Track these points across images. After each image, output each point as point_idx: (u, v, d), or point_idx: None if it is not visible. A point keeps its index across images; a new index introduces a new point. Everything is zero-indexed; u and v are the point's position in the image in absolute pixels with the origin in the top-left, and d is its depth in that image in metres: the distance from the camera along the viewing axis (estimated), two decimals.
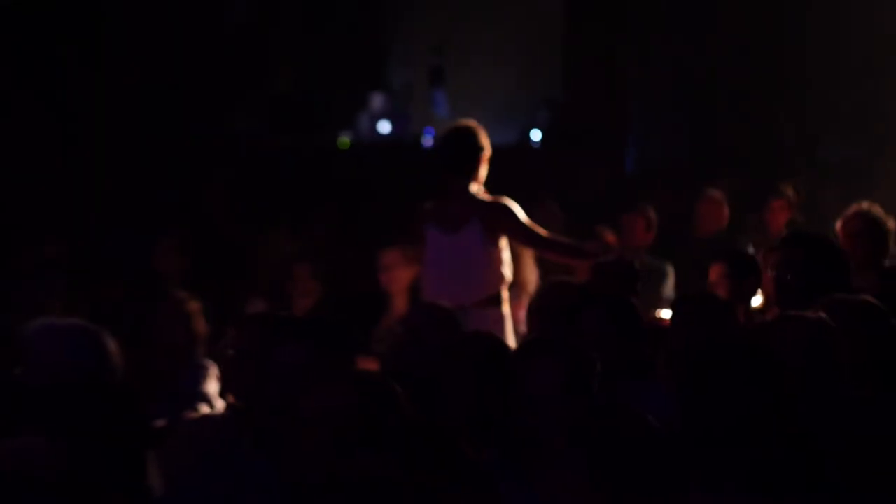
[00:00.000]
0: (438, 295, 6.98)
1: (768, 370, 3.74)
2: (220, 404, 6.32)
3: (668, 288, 9.07)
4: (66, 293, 7.73)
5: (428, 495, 3.88)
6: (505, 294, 7.24)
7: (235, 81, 13.13)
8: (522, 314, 7.13)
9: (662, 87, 13.62)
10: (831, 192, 11.21)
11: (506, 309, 7.22)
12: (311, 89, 14.27)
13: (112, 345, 4.40)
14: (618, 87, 13.47)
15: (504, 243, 7.27)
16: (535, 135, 14.06)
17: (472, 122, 7.30)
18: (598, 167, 12.71)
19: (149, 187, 11.45)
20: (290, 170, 12.38)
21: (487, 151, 7.24)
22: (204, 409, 6.23)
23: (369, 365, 5.96)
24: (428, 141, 14.44)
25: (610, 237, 9.17)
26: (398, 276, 7.97)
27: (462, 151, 7.23)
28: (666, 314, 6.37)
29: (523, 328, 7.14)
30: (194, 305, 6.68)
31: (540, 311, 6.08)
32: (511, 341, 6.99)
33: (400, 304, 7.87)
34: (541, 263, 8.10)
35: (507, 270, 7.29)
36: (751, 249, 8.59)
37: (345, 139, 14.19)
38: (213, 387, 6.46)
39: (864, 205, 7.08)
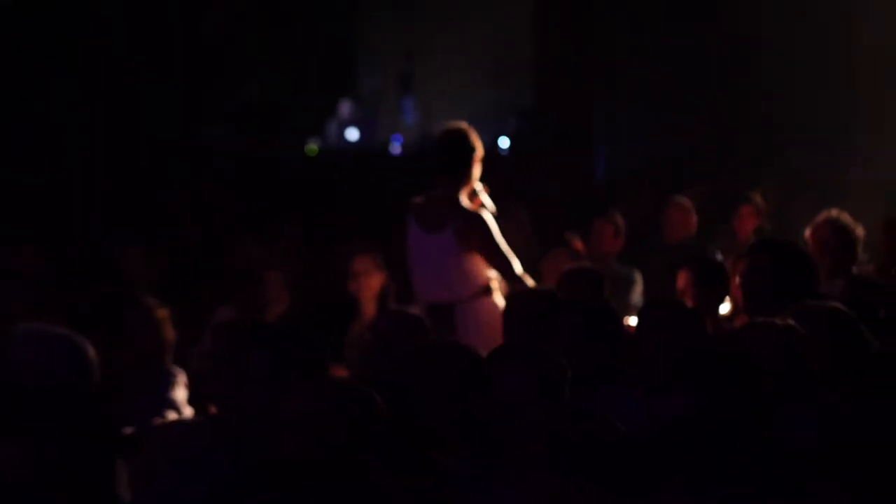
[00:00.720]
0: (426, 290, 7.06)
1: (741, 375, 3.76)
2: (187, 411, 6.31)
3: (637, 295, 9.08)
4: (33, 301, 7.69)
5: (405, 499, 3.89)
6: (494, 284, 7.23)
7: (204, 88, 13.10)
8: None
9: (631, 95, 13.66)
10: (800, 200, 11.26)
11: (498, 298, 7.19)
12: (280, 96, 14.25)
13: (91, 352, 4.39)
14: (587, 95, 13.50)
15: (473, 253, 7.26)
16: (504, 142, 14.08)
17: (463, 124, 7.32)
18: (567, 174, 12.74)
19: (117, 194, 11.41)
20: (258, 176, 12.37)
21: (479, 152, 7.26)
22: (172, 415, 6.22)
23: (338, 372, 5.97)
24: (396, 148, 14.45)
25: (578, 244, 9.19)
26: (368, 283, 7.97)
27: (453, 154, 7.25)
28: (633, 321, 6.39)
29: None
30: (163, 312, 6.67)
31: (511, 317, 6.09)
32: None
33: (370, 310, 7.87)
34: None
35: (481, 276, 7.25)
36: (719, 256, 8.62)
37: (313, 146, 14.19)
38: (181, 394, 6.45)
39: (833, 212, 7.12)
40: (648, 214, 10.52)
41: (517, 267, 7.16)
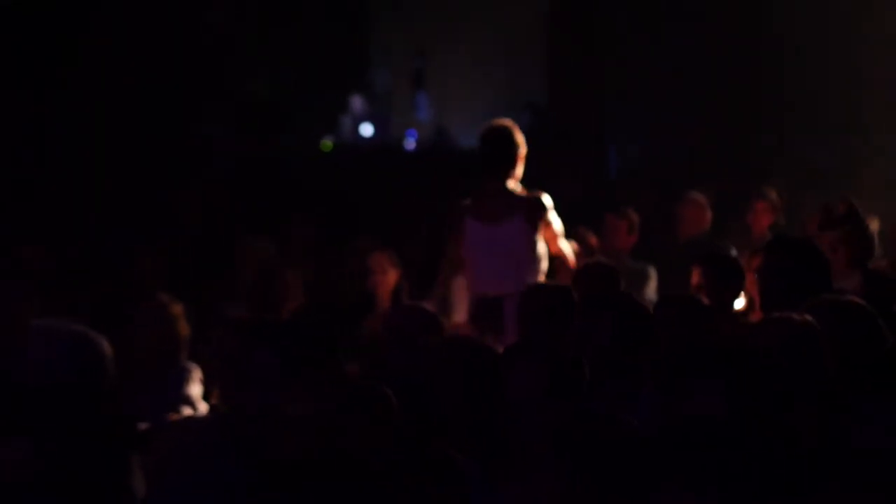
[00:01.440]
0: (483, 284, 7.05)
1: (749, 373, 3.75)
2: (202, 407, 6.32)
3: (651, 290, 9.07)
4: (39, 298, 7.68)
5: (411, 495, 3.89)
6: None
7: (216, 85, 13.10)
8: None
9: (645, 91, 13.64)
10: (812, 196, 11.24)
11: None
12: (294, 93, 14.26)
13: (106, 348, 4.39)
14: (600, 91, 13.49)
15: (541, 236, 7.35)
16: None
17: (507, 122, 7.44)
18: (581, 170, 12.73)
19: (130, 191, 11.42)
20: (271, 173, 12.37)
21: (523, 149, 7.37)
22: (187, 411, 6.23)
23: (351, 369, 5.97)
24: (410, 144, 14.46)
25: (592, 240, 9.18)
26: (384, 280, 7.99)
27: (501, 150, 7.33)
28: None
29: None
30: (177, 309, 6.67)
31: (525, 313, 6.07)
32: None
33: (385, 307, 7.88)
34: None
35: (545, 261, 7.34)
36: (733, 252, 8.60)
37: (327, 142, 14.20)
38: (196, 389, 6.46)
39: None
40: (662, 210, 10.51)
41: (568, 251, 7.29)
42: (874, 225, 7.08)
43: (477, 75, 14.49)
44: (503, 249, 7.22)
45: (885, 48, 12.54)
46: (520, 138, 7.36)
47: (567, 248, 7.47)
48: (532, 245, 7.25)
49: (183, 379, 6.42)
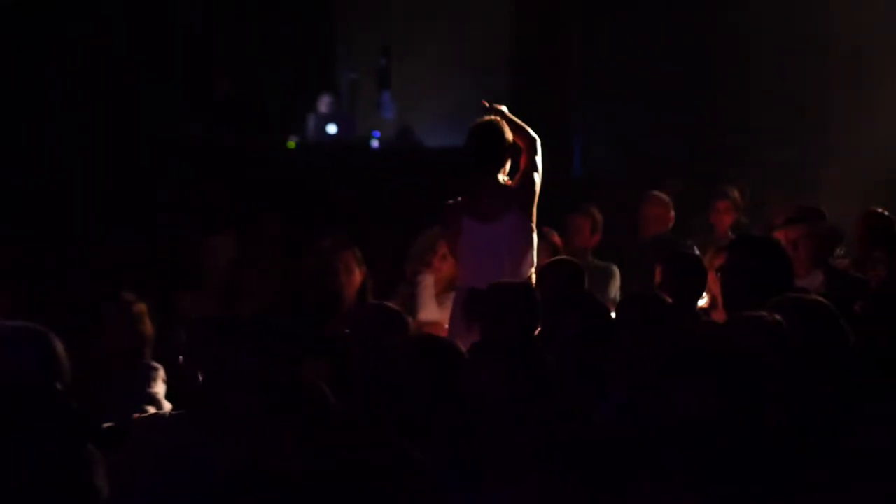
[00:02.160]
0: (480, 280, 7.04)
1: (725, 373, 3.76)
2: (167, 406, 6.31)
3: (614, 289, 9.11)
4: (7, 300, 7.67)
5: (372, 495, 3.89)
6: (534, 279, 7.31)
7: (182, 84, 13.08)
8: None
9: (610, 92, 13.69)
10: (775, 195, 11.30)
11: None
12: (260, 91, 14.24)
13: (60, 346, 4.38)
14: (565, 91, 13.52)
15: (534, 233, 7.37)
16: None
17: (494, 118, 7.42)
18: (544, 170, 12.73)
19: (97, 190, 11.38)
20: (237, 172, 12.34)
21: (511, 143, 7.39)
22: (151, 410, 6.22)
23: (319, 366, 5.97)
24: (374, 143, 14.44)
25: (556, 238, 9.20)
26: (349, 280, 7.98)
27: (491, 146, 7.35)
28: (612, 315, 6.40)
29: None
30: (142, 307, 6.66)
31: (487, 313, 6.08)
32: None
33: (350, 305, 7.88)
34: None
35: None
36: (696, 251, 8.64)
37: (291, 141, 14.18)
38: (160, 388, 6.45)
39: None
40: (626, 209, 10.55)
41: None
42: (835, 223, 7.14)
43: (442, 74, 14.48)
44: (501, 247, 7.23)
45: (853, 49, 12.62)
46: (508, 133, 7.39)
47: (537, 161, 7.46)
48: (528, 237, 7.26)
49: (148, 378, 6.41)
